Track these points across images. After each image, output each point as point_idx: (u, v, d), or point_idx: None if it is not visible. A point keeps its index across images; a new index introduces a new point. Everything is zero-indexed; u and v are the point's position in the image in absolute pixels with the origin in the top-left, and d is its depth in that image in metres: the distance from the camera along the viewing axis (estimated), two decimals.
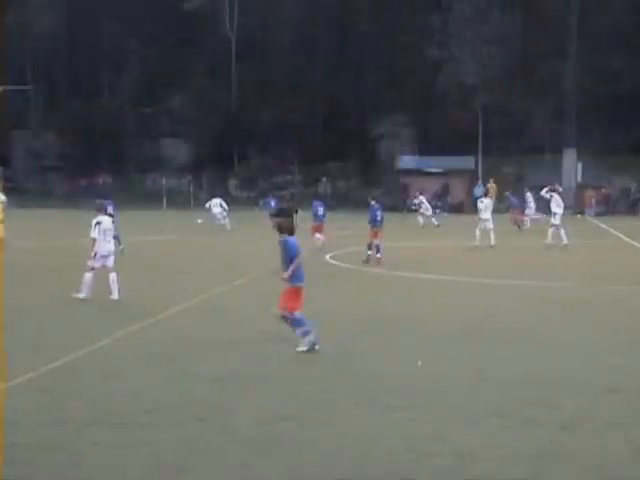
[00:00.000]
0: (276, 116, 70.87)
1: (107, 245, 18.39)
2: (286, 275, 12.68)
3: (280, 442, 8.49)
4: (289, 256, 12.79)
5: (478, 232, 32.47)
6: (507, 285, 21.60)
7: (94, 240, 18.12)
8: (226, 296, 18.71)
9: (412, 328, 15.01)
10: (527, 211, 46.23)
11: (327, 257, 28.02)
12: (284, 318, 12.80)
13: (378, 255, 26.47)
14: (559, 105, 66.21)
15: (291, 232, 12.98)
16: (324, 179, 71.82)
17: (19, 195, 61.72)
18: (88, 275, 17.98)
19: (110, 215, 29.04)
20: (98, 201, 19.32)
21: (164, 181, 73.27)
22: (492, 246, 31.90)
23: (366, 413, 9.61)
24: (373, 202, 27.64)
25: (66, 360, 11.95)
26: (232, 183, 74.23)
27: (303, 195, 70.19)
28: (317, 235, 31.29)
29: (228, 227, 42.83)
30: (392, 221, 46.07)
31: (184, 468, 7.71)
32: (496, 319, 16.13)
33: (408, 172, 67.76)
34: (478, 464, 7.88)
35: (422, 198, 48.51)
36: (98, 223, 18.16)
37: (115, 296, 17.98)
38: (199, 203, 46.35)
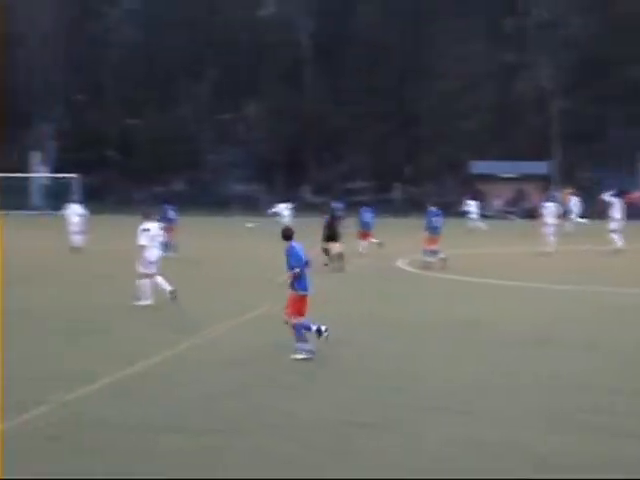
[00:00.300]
0: (350, 121, 71.01)
1: (155, 251, 18.65)
2: (282, 280, 12.88)
3: (354, 449, 8.57)
4: (290, 262, 12.97)
5: (552, 238, 32.32)
6: (577, 291, 21.36)
7: (142, 247, 18.40)
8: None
9: (483, 333, 15.14)
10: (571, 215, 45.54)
11: (399, 263, 28.06)
12: (288, 324, 13.00)
13: (439, 257, 26.53)
14: (636, 109, 65.06)
15: (290, 237, 13.12)
16: (398, 185, 71.63)
17: (98, 202, 62.91)
18: (144, 282, 18.29)
19: (169, 220, 29.61)
20: (145, 208, 19.73)
21: (238, 187, 73.78)
22: (549, 253, 31.60)
23: (439, 418, 9.76)
24: (432, 208, 27.72)
25: (142, 366, 12.32)
26: (306, 189, 74.52)
27: (377, 201, 70.17)
28: (363, 242, 31.40)
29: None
30: (464, 227, 46.03)
31: (257, 475, 7.89)
32: (567, 324, 16.15)
33: (482, 177, 67.26)
34: (553, 471, 7.96)
35: (471, 202, 48.19)
36: (146, 230, 18.38)
37: (145, 302, 18.15)
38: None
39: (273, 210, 46.02)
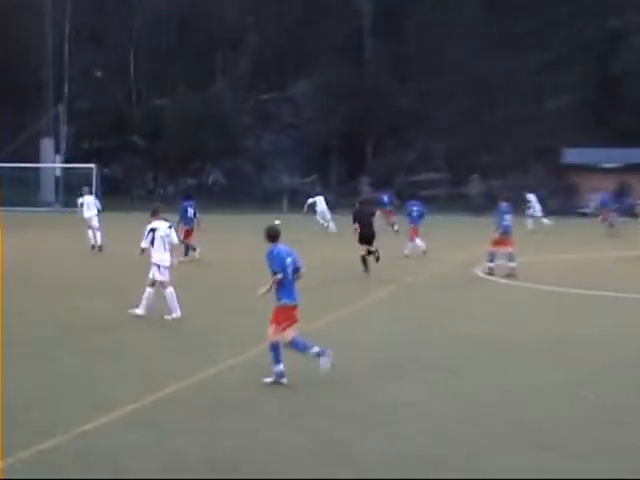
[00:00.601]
0: (417, 103, 70.80)
1: (164, 255, 18.46)
2: (262, 292, 12.86)
3: None
4: (271, 267, 12.90)
5: None
6: None
7: (143, 250, 18.46)
8: (351, 319, 18.85)
9: (581, 351, 15.14)
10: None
11: (477, 270, 27.96)
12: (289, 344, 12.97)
13: (512, 264, 26.45)
14: None
15: (275, 238, 13.06)
16: (476, 176, 71.08)
17: (118, 197, 63.59)
18: (169, 292, 18.26)
19: (188, 220, 29.66)
20: (154, 204, 19.55)
21: (285, 179, 74.23)
22: None
23: (527, 452, 9.65)
24: (503, 203, 27.56)
25: (172, 390, 12.36)
26: (364, 181, 74.48)
27: (450, 197, 69.87)
28: (417, 240, 32.01)
29: (332, 229, 44.33)
30: (558, 227, 45.64)
31: None
32: None
33: (576, 168, 66.54)
34: None
35: (531, 197, 47.92)
36: (152, 230, 18.31)
37: (177, 313, 18.17)
38: (329, 206, 46.80)
39: (308, 203, 46.95)
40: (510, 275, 26.08)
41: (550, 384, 13.06)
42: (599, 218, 47.10)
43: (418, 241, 32.17)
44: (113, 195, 63.63)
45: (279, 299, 12.92)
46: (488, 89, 70.69)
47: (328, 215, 45.52)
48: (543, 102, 67.67)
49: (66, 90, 76.73)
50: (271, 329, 12.93)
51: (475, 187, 70.75)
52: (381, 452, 9.79)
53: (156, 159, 77.18)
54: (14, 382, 12.76)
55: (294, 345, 13.01)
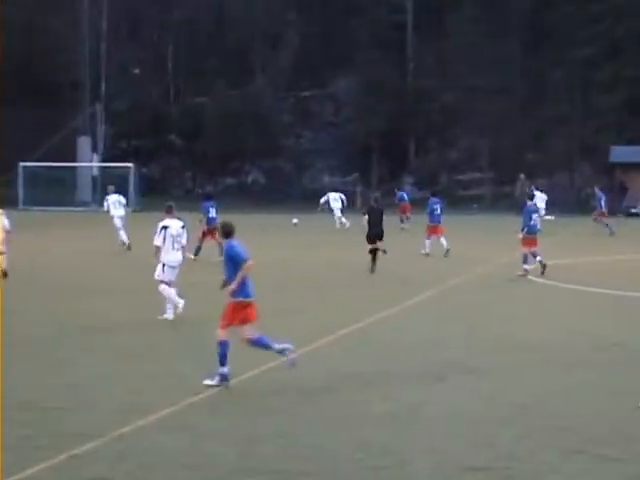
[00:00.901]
0: (461, 100, 70.45)
1: (175, 254, 18.45)
2: (231, 288, 12.73)
3: None
4: (233, 264, 12.86)
5: None
6: None
7: (158, 248, 18.29)
8: (393, 321, 18.91)
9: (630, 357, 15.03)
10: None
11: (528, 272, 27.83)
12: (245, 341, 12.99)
13: (537, 261, 26.63)
14: None
15: (230, 235, 13.12)
16: (522, 176, 70.34)
17: (155, 197, 63.72)
18: (166, 290, 18.22)
19: (211, 220, 29.68)
20: (168, 202, 19.57)
21: (325, 179, 74.19)
22: None
23: (573, 466, 9.62)
24: (530, 203, 27.84)
25: (208, 394, 12.41)
26: (407, 181, 74.30)
27: (495, 196, 69.49)
28: (431, 237, 32.40)
29: (347, 225, 45.03)
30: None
31: None
32: None
33: (624, 166, 65.73)
34: None
35: (538, 194, 47.49)
36: (164, 228, 18.26)
37: (170, 316, 18.21)
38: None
39: (322, 200, 47.91)
40: (522, 276, 26.24)
41: (594, 387, 13.00)
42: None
43: (440, 237, 32.40)
44: (151, 195, 63.92)
45: (236, 296, 12.86)
46: (534, 86, 70.21)
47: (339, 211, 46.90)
48: (590, 99, 66.99)
49: (103, 88, 77.06)
50: (221, 327, 12.91)
51: (521, 186, 70.04)
52: (422, 457, 9.77)
53: (195, 158, 77.30)
54: (46, 383, 12.94)
55: (256, 343, 13.00)
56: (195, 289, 20.55)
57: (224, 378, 12.73)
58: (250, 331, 12.97)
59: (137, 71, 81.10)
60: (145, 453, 9.86)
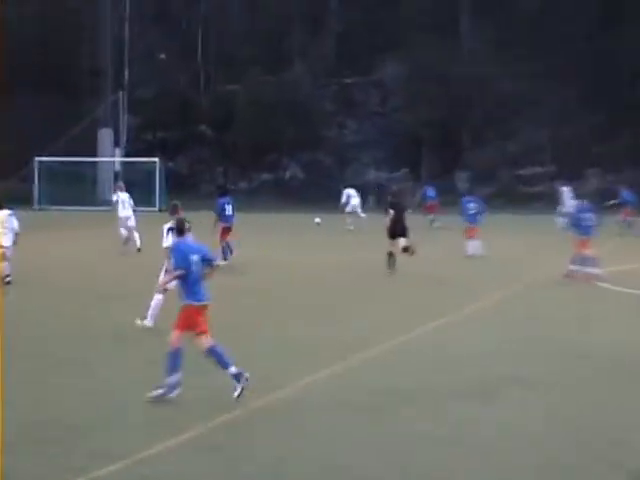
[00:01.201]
0: (522, 87, 70.10)
1: None
2: (161, 283, 12.96)
3: None
4: (175, 261, 13.21)
5: None
6: None
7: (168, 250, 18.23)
8: (440, 331, 19.00)
9: None
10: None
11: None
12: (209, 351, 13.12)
13: (594, 270, 26.71)
14: None
15: (182, 232, 13.42)
16: (594, 171, 69.63)
17: (184, 193, 64.00)
18: (160, 302, 18.38)
19: (226, 218, 29.52)
20: (173, 201, 19.70)
21: (371, 174, 74.17)
22: None
23: None
24: (582, 201, 28.55)
25: (240, 413, 12.56)
26: (460, 176, 74.06)
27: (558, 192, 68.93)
28: (471, 241, 32.80)
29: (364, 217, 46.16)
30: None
31: None
32: None
33: None
34: None
35: (564, 189, 47.40)
36: (171, 229, 18.06)
37: (149, 323, 18.50)
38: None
39: (343, 200, 48.54)
40: (568, 276, 26.79)
41: None
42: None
43: (474, 242, 32.93)
44: (178, 191, 63.98)
45: (183, 299, 13.17)
46: (602, 71, 69.62)
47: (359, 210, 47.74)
48: None
49: (126, 76, 77.17)
50: (173, 333, 13.14)
51: (592, 183, 69.29)
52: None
53: (226, 151, 77.22)
54: (68, 402, 13.14)
55: (212, 353, 13.11)
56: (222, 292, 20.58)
57: (172, 388, 12.92)
58: (209, 340, 13.15)
59: (163, 56, 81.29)
60: (173, 476, 10.07)
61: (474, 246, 32.86)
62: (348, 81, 78.94)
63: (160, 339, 13.72)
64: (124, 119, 76.76)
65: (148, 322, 18.60)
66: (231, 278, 25.64)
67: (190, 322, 13.08)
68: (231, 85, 78.59)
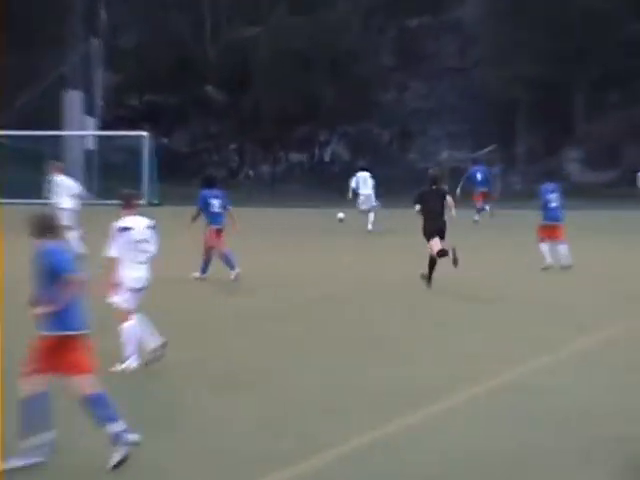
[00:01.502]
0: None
1: (137, 271, 18.45)
2: (40, 311, 12.53)
3: None
4: (51, 276, 12.69)
5: None
6: None
7: (114, 261, 18.09)
8: (535, 376, 18.60)
9: None
10: None
11: None
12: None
13: None
14: None
15: (53, 234, 13.02)
16: None
17: (182, 180, 63.97)
18: (133, 329, 18.17)
19: (214, 217, 30.14)
20: (125, 191, 19.36)
21: (444, 152, 74.53)
22: None
23: None
24: None
25: (338, 452, 13.38)
26: (571, 156, 74.50)
27: None
28: (546, 241, 32.87)
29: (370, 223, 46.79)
30: None
31: None
32: None
33: None
34: None
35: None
36: (124, 229, 18.29)
37: (134, 363, 18.14)
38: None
39: (352, 185, 49.45)
40: None
41: None
42: None
43: (544, 247, 32.78)
44: (175, 177, 64.24)
45: (48, 327, 12.67)
46: None
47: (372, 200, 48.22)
48: None
49: (102, 17, 77.80)
50: (24, 374, 12.81)
51: None
52: None
53: (242, 122, 77.56)
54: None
55: (91, 404, 12.81)
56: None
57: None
58: (88, 384, 12.87)
59: None
60: None
61: (560, 252, 32.43)
62: (412, 24, 79.08)
63: None
64: (99, 77, 76.98)
65: (132, 362, 18.20)
66: (241, 299, 26.39)
67: (56, 360, 12.79)
68: (248, 29, 78.60)
